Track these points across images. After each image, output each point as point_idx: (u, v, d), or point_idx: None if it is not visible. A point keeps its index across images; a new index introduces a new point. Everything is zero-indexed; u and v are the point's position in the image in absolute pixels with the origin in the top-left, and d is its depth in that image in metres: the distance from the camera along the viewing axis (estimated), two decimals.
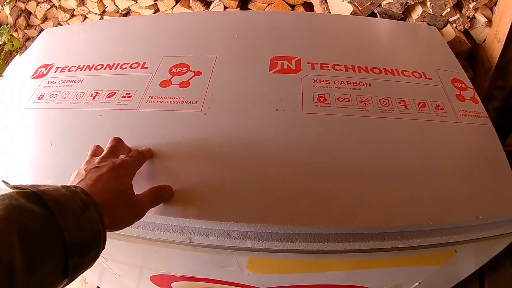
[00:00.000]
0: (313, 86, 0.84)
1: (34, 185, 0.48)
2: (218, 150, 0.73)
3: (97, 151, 0.68)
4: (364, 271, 0.82)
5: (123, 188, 0.58)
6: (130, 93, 0.85)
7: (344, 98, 0.81)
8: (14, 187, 0.47)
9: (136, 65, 0.92)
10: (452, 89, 0.87)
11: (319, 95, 0.82)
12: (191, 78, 0.87)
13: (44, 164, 0.75)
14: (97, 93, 0.86)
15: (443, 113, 0.80)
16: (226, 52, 0.95)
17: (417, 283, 0.89)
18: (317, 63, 0.90)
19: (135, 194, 0.60)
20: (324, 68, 0.89)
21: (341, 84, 0.85)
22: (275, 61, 0.91)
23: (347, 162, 0.71)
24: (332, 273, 0.82)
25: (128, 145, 0.72)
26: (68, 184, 0.53)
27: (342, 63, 0.91)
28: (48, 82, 0.92)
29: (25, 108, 0.87)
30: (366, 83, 0.85)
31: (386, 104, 0.81)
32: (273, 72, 0.88)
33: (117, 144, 0.69)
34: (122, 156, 0.67)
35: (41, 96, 0.88)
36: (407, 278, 0.88)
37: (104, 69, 0.93)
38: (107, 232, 0.51)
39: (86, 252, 0.47)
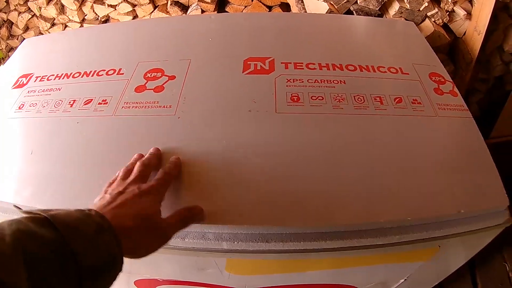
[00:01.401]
0: (287, 85, 0.84)
1: (46, 210, 0.47)
2: (191, 153, 0.72)
3: (127, 173, 0.66)
4: (347, 269, 0.82)
5: (148, 214, 0.56)
6: (106, 100, 0.85)
7: (318, 97, 0.81)
8: (25, 212, 0.46)
9: (112, 71, 0.92)
10: (430, 83, 0.87)
11: (293, 94, 0.82)
12: (165, 82, 0.87)
13: (24, 173, 0.75)
14: (74, 100, 0.86)
15: (420, 107, 0.81)
16: (200, 55, 0.95)
17: (403, 280, 0.89)
18: (290, 63, 0.91)
19: (162, 217, 0.59)
20: (298, 67, 0.89)
21: (314, 82, 0.85)
22: (248, 62, 0.91)
23: (321, 161, 0.71)
24: (314, 273, 0.82)
25: (156, 160, 0.71)
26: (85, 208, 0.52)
27: (316, 62, 0.91)
28: (28, 91, 0.92)
29: (7, 118, 0.87)
30: (340, 81, 0.85)
31: (361, 100, 0.81)
32: (246, 73, 0.88)
33: (145, 169, 0.66)
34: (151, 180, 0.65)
35: (22, 106, 0.88)
36: (392, 275, 0.88)
37: (82, 76, 0.93)
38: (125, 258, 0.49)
39: (101, 276, 0.45)
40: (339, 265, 0.79)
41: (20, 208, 0.48)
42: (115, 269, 0.47)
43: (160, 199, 0.61)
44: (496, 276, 1.48)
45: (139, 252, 0.54)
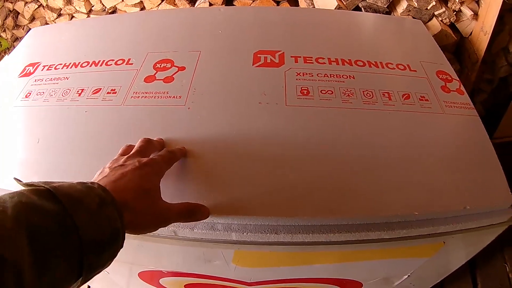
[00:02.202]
0: (296, 79, 0.84)
1: (48, 181, 0.45)
2: (201, 143, 0.72)
3: (126, 150, 0.65)
4: (352, 263, 0.82)
5: (148, 188, 0.55)
6: (115, 89, 0.84)
7: (328, 91, 0.82)
8: (26, 184, 0.45)
9: (121, 61, 0.92)
10: (437, 80, 0.87)
11: (302, 88, 0.82)
12: (175, 73, 0.87)
13: (31, 161, 0.75)
14: (83, 89, 0.86)
15: (428, 104, 0.81)
16: (210, 47, 0.95)
17: (406, 276, 0.89)
18: (300, 57, 0.91)
19: (165, 201, 0.58)
20: (307, 61, 0.89)
21: (324, 76, 0.85)
22: (258, 55, 0.91)
23: (330, 153, 0.71)
24: (319, 266, 0.82)
25: (159, 145, 0.70)
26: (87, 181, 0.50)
27: (325, 56, 0.91)
28: (35, 80, 0.92)
29: (12, 107, 0.86)
30: (349, 76, 0.86)
31: (370, 96, 0.81)
32: (256, 66, 0.88)
33: (147, 144, 0.66)
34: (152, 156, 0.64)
35: (28, 94, 0.88)
36: (396, 270, 0.88)
37: (90, 66, 0.93)
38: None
39: (103, 251, 0.44)
40: (345, 258, 0.79)
41: (20, 181, 0.47)
42: (117, 244, 0.47)
43: (160, 174, 0.60)
44: (497, 276, 1.48)
45: (139, 227, 0.53)
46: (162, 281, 0.96)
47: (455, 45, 1.29)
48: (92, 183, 0.49)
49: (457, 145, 0.75)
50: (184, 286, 1.00)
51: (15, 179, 0.48)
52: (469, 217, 0.66)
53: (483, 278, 1.48)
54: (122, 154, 0.64)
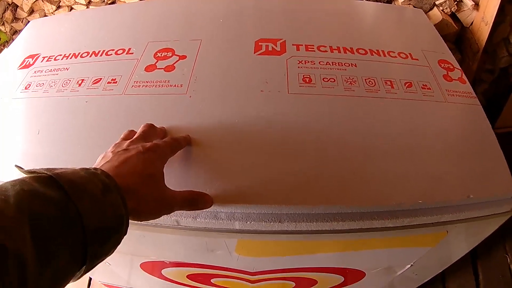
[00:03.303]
0: (298, 67, 0.84)
1: (50, 168, 0.44)
2: (203, 132, 0.72)
3: (129, 135, 0.65)
4: (355, 252, 0.82)
5: (151, 173, 0.54)
6: (115, 79, 0.84)
7: (330, 79, 0.81)
8: (28, 171, 0.44)
9: (122, 51, 0.92)
10: (439, 69, 0.87)
11: (304, 76, 0.82)
12: (176, 62, 0.87)
13: (31, 153, 0.74)
14: (83, 80, 0.85)
15: (430, 92, 0.80)
16: (211, 36, 0.95)
17: (409, 265, 0.89)
18: (302, 45, 0.90)
19: (169, 188, 0.57)
20: (309, 49, 0.89)
21: (326, 64, 0.85)
22: (259, 43, 0.91)
23: (333, 141, 0.71)
24: (322, 255, 0.82)
25: (162, 132, 0.70)
26: (90, 167, 0.49)
27: (327, 44, 0.90)
28: (35, 71, 0.92)
29: (12, 99, 0.86)
30: (351, 64, 0.85)
31: (372, 84, 0.80)
32: (258, 54, 0.88)
33: (150, 130, 0.66)
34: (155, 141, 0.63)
35: (28, 86, 0.87)
36: (399, 259, 0.88)
37: (90, 56, 0.92)
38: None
39: (107, 238, 0.44)
40: (348, 247, 0.79)
41: (22, 168, 0.46)
42: (121, 231, 0.46)
43: (164, 160, 0.60)
44: (498, 267, 1.48)
45: (142, 214, 0.52)
46: (164, 271, 0.96)
47: (456, 35, 1.28)
48: (95, 169, 0.48)
49: (460, 134, 0.75)
50: (187, 276, 0.99)
51: (16, 166, 0.47)
52: (472, 206, 0.66)
53: (484, 269, 1.48)
54: (124, 138, 0.63)
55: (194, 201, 0.60)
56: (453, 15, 1.24)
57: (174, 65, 0.86)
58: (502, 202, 0.67)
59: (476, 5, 1.20)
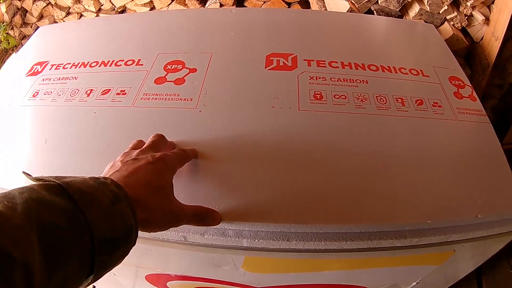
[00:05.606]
0: (310, 83, 0.83)
1: (59, 176, 0.44)
2: (212, 147, 0.71)
3: (138, 145, 0.64)
4: (362, 270, 0.81)
5: (160, 184, 0.54)
6: (124, 90, 0.84)
7: (341, 95, 0.81)
8: (36, 178, 0.44)
9: (131, 62, 0.92)
10: (450, 86, 0.86)
11: (316, 92, 0.81)
12: (186, 75, 0.86)
13: (38, 162, 0.74)
14: (91, 90, 0.85)
15: (441, 110, 0.80)
16: (222, 49, 0.94)
17: (415, 283, 0.89)
18: (313, 60, 0.90)
19: (178, 200, 0.57)
20: (320, 65, 0.88)
21: (337, 81, 0.84)
22: (271, 58, 0.90)
23: (344, 160, 0.70)
24: (329, 273, 0.82)
25: (172, 145, 0.70)
26: (100, 176, 0.49)
27: (338, 60, 0.90)
28: (43, 79, 0.91)
29: (19, 106, 0.85)
30: (363, 80, 0.85)
31: (383, 101, 0.80)
32: (269, 69, 0.87)
33: (159, 140, 0.65)
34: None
35: (36, 94, 0.87)
36: (405, 277, 0.87)
37: (99, 66, 0.92)
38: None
39: (116, 249, 0.43)
40: (355, 265, 0.79)
41: (30, 175, 0.45)
42: (130, 242, 0.45)
43: (173, 171, 0.59)
44: (502, 283, 1.47)
45: (151, 225, 0.51)
46: (169, 284, 0.96)
47: (466, 50, 1.28)
48: (105, 178, 0.47)
49: (469, 153, 0.74)
50: None
51: (24, 172, 0.47)
52: (480, 226, 0.66)
53: (489, 285, 1.47)
54: (133, 148, 0.63)
55: (203, 216, 0.60)
56: (463, 30, 1.24)
57: (184, 78, 0.86)
58: (510, 221, 0.67)
59: (487, 20, 1.19)
